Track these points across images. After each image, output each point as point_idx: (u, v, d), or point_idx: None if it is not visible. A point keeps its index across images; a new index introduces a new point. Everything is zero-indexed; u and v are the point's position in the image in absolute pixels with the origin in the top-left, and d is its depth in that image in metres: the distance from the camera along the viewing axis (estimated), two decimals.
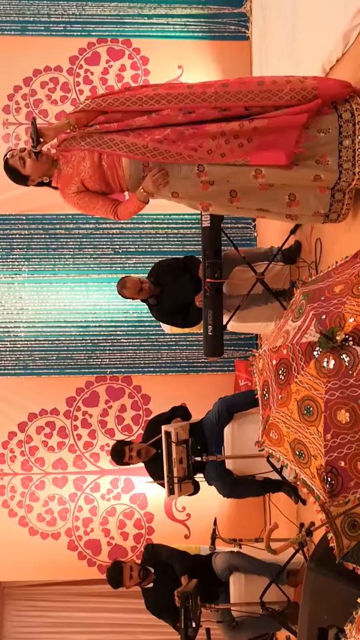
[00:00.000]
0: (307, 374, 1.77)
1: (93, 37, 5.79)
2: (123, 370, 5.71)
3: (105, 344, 5.71)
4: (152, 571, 3.94)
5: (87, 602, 5.77)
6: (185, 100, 2.71)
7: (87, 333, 5.71)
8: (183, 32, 5.79)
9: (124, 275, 4.37)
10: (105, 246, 5.75)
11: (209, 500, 4.76)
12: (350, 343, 1.71)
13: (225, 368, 5.69)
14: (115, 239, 5.75)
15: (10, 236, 5.71)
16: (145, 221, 5.74)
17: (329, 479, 1.72)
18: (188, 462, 3.80)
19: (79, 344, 5.71)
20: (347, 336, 1.71)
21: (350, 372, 1.69)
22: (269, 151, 2.68)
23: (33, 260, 5.72)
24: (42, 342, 5.70)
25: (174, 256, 4.83)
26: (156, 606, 3.97)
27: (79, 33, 5.79)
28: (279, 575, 3.74)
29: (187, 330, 4.73)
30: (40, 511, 5.56)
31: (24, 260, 5.71)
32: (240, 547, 4.07)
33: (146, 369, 5.72)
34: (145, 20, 5.79)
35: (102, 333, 5.71)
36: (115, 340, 5.72)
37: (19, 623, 5.87)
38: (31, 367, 5.69)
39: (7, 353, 5.68)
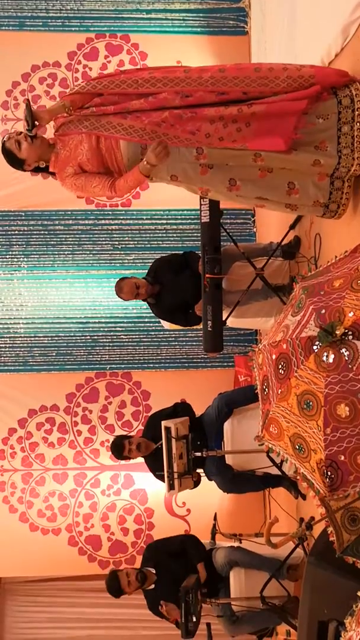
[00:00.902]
0: (307, 368, 1.77)
1: (91, 32, 5.77)
2: (123, 366, 5.72)
3: (104, 340, 5.71)
4: (153, 572, 3.92)
5: (88, 598, 5.79)
6: (182, 83, 2.70)
7: (86, 329, 5.71)
8: (181, 27, 5.77)
9: (121, 277, 4.33)
10: (104, 242, 5.74)
11: (209, 495, 4.77)
12: (350, 337, 1.71)
13: (225, 364, 5.70)
14: (115, 235, 5.75)
15: (9, 232, 5.71)
16: (145, 217, 5.74)
17: (329, 473, 1.72)
18: (188, 457, 3.81)
19: (79, 340, 5.71)
20: (346, 330, 1.71)
21: (349, 366, 1.69)
22: (267, 137, 2.68)
23: (32, 256, 5.71)
24: (42, 338, 5.70)
25: (173, 252, 4.83)
26: (157, 607, 3.96)
27: (77, 28, 5.78)
28: (279, 570, 3.75)
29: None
30: (41, 507, 5.57)
31: (23, 256, 5.71)
32: (241, 542, 4.07)
33: (146, 365, 5.72)
34: (144, 16, 5.77)
35: (101, 329, 5.71)
36: (115, 337, 5.72)
37: (20, 618, 5.89)
38: (31, 363, 5.69)
39: (7, 349, 5.68)
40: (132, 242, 5.74)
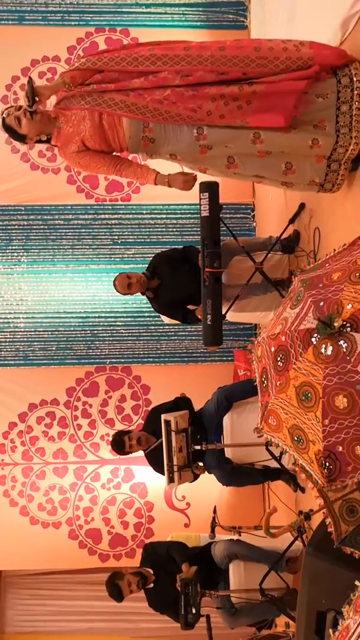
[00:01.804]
0: (305, 360, 1.78)
1: (91, 26, 5.77)
2: (123, 360, 5.73)
3: (104, 334, 5.73)
4: (151, 572, 3.96)
5: (88, 591, 5.82)
6: (182, 62, 2.72)
7: (86, 323, 5.73)
8: (181, 21, 5.77)
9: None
10: (104, 237, 5.75)
11: (208, 488, 4.79)
12: (348, 329, 1.72)
13: (224, 358, 5.71)
14: (114, 230, 5.75)
15: (9, 227, 5.71)
16: (144, 211, 5.74)
17: (327, 464, 1.74)
18: (188, 450, 3.83)
19: (79, 335, 5.72)
20: (344, 322, 1.72)
21: (347, 358, 1.70)
22: (267, 113, 2.71)
23: (32, 251, 5.72)
24: (42, 332, 5.71)
25: (173, 247, 4.84)
26: (158, 604, 4.00)
27: (76, 22, 5.77)
28: (278, 562, 3.76)
29: None
30: (41, 501, 5.60)
31: (23, 251, 5.72)
32: (240, 535, 4.09)
33: (145, 359, 5.74)
34: (143, 10, 5.76)
35: (101, 323, 5.73)
36: (115, 331, 5.73)
37: (21, 611, 5.92)
38: (31, 357, 5.71)
39: (7, 344, 5.70)
40: (131, 237, 5.74)
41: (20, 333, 5.71)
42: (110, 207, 5.76)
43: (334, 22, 3.13)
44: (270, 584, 3.69)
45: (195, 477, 4.08)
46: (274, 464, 3.91)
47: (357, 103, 2.75)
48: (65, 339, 5.71)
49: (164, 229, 5.74)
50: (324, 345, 1.74)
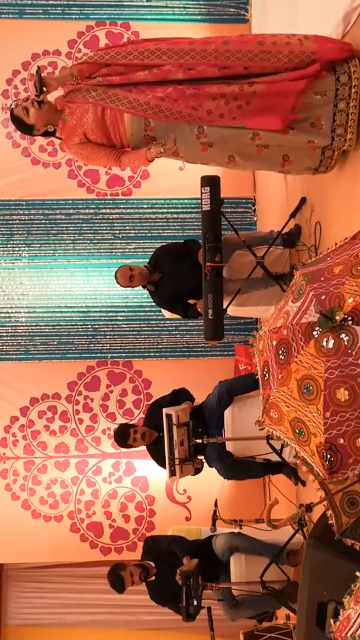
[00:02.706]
0: (307, 353, 1.79)
1: (91, 20, 5.75)
2: (124, 355, 5.74)
3: (106, 329, 5.74)
4: (153, 565, 3.98)
5: (90, 584, 5.85)
6: (186, 56, 2.78)
7: (87, 318, 5.74)
8: (182, 14, 5.75)
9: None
10: (105, 231, 5.75)
11: (209, 482, 4.81)
12: (350, 323, 1.73)
13: (225, 352, 5.72)
14: (115, 224, 5.75)
15: (10, 222, 5.72)
16: (145, 206, 5.74)
17: (328, 456, 1.75)
18: (189, 444, 3.84)
19: (80, 329, 5.73)
20: (346, 316, 1.73)
21: (349, 351, 1.71)
22: (265, 116, 2.78)
23: (33, 245, 5.72)
24: (43, 327, 5.72)
25: (174, 241, 4.84)
26: (160, 597, 4.02)
27: (77, 16, 5.75)
28: (279, 555, 3.78)
29: None
30: (43, 494, 5.62)
31: (24, 245, 5.72)
32: (241, 528, 4.11)
33: (147, 354, 5.75)
34: (144, 3, 5.74)
35: (102, 318, 5.73)
36: (116, 325, 5.74)
37: (22, 604, 5.95)
38: (32, 352, 5.72)
39: (9, 338, 5.71)
40: (132, 231, 5.75)
41: (21, 327, 5.72)
42: (111, 202, 5.76)
43: (336, 15, 3.13)
44: (271, 576, 3.71)
45: (197, 471, 4.09)
46: (275, 458, 3.92)
47: (354, 101, 2.81)
48: (66, 333, 5.72)
49: (165, 224, 5.74)
50: (325, 339, 1.75)
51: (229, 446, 4.04)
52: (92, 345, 5.73)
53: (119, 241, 5.74)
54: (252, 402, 4.01)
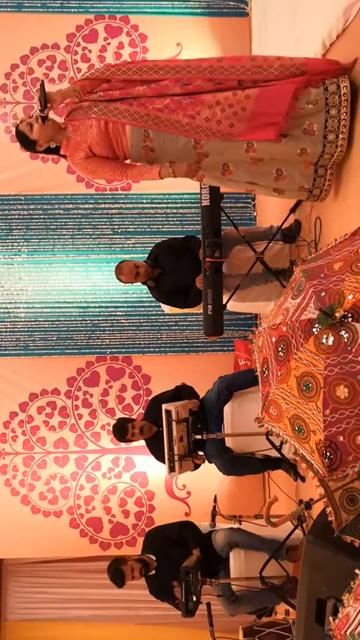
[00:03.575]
0: (307, 350, 1.78)
1: (90, 13, 5.72)
2: (123, 350, 5.73)
3: (105, 324, 5.73)
4: (154, 558, 3.98)
5: (89, 579, 5.86)
6: (182, 71, 2.95)
7: (87, 313, 5.72)
8: (182, 8, 5.72)
9: (120, 261, 4.35)
10: (104, 226, 5.73)
11: (209, 477, 4.81)
12: (349, 319, 1.72)
13: (225, 348, 5.72)
14: (115, 219, 5.74)
15: (9, 217, 5.70)
16: (145, 201, 5.72)
17: (328, 454, 1.75)
18: (188, 440, 3.84)
19: (79, 325, 5.72)
20: (346, 313, 1.72)
21: (349, 348, 1.71)
22: (259, 129, 2.91)
23: (32, 240, 5.71)
24: (42, 322, 5.71)
25: (173, 236, 4.82)
26: (160, 591, 4.02)
27: (76, 9, 5.72)
28: (278, 550, 3.79)
29: (186, 310, 4.74)
30: (42, 490, 5.62)
31: (23, 240, 5.71)
32: (240, 524, 4.11)
33: (146, 349, 5.74)
34: None
35: (102, 313, 5.72)
36: (115, 321, 5.73)
37: (22, 599, 5.97)
38: (32, 347, 5.71)
39: (8, 334, 5.70)
40: (132, 226, 5.73)
41: (20, 323, 5.71)
42: (110, 197, 5.74)
43: (336, 9, 3.11)
44: (271, 572, 3.72)
45: (197, 466, 4.09)
46: (274, 454, 3.92)
47: (345, 108, 2.94)
48: (65, 328, 5.71)
49: (165, 219, 5.73)
50: (325, 336, 1.74)
51: (229, 442, 4.04)
52: (92, 340, 5.72)
53: (118, 236, 5.72)
54: (251, 397, 4.01)
